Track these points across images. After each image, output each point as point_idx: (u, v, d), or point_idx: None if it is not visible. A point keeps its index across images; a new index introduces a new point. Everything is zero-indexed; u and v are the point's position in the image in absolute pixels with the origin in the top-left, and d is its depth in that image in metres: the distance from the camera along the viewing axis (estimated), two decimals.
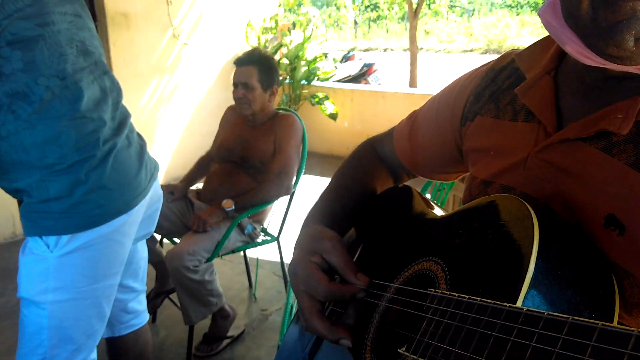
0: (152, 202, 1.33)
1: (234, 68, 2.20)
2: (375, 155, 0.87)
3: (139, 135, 1.33)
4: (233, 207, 2.00)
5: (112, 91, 1.22)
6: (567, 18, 0.50)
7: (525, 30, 17.43)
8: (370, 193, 0.80)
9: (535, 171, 0.57)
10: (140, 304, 1.49)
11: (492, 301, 0.40)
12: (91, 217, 1.12)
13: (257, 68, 2.12)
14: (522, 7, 21.41)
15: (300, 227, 0.74)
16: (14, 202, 2.88)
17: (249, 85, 2.11)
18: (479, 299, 0.41)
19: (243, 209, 2.04)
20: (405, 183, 0.85)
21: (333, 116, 4.71)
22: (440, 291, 0.48)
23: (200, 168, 2.36)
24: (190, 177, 2.33)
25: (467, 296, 0.43)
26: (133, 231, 1.26)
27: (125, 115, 1.27)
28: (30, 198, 1.11)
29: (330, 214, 0.75)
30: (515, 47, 0.78)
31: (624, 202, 0.49)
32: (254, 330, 2.29)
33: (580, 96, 0.57)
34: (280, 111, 2.29)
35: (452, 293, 0.45)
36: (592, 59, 0.49)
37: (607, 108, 0.52)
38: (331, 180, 0.84)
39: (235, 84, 2.15)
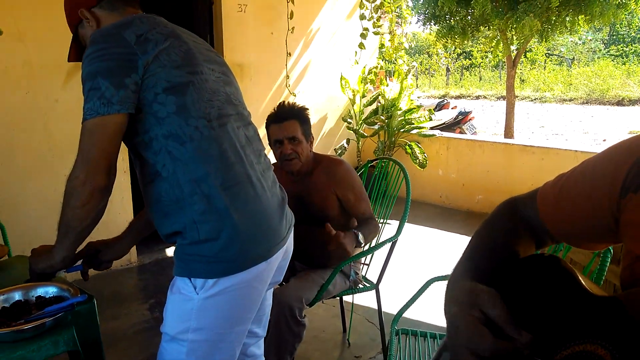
0: (287, 252, 1.39)
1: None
2: (517, 216, 0.84)
3: (280, 187, 1.41)
4: (363, 238, 1.99)
5: (255, 140, 1.32)
6: None
7: (633, 81, 16.37)
8: (514, 256, 0.78)
9: None
10: (259, 348, 1.55)
11: None
12: (236, 262, 1.18)
13: (298, 121, 2.06)
14: (627, 56, 20.21)
15: (447, 286, 0.74)
16: None
17: (296, 139, 2.04)
18: None
19: (366, 238, 2.03)
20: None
21: (422, 165, 4.73)
22: None
23: None
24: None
25: None
26: (269, 278, 1.31)
27: (269, 166, 1.36)
28: (183, 240, 1.18)
29: (480, 272, 0.73)
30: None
31: None
32: None
33: None
34: (319, 154, 2.24)
35: None
36: None
37: None
38: (471, 239, 0.82)
39: (279, 141, 2.05)
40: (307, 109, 2.18)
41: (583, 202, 0.75)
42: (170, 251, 3.86)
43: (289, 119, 2.06)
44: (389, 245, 2.27)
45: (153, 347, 1.29)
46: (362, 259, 2.29)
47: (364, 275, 2.36)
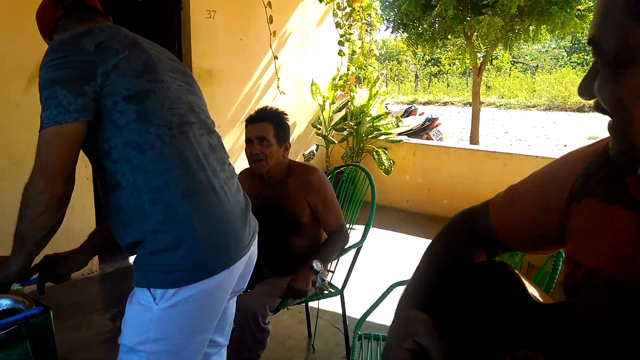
0: (250, 260, 1.38)
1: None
2: (469, 228, 0.88)
3: (244, 194, 1.40)
4: (322, 265, 2.01)
5: (219, 148, 1.32)
6: None
7: None
8: (465, 266, 0.81)
9: None
10: (221, 357, 1.54)
11: None
12: (197, 271, 1.16)
13: (272, 124, 2.07)
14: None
15: (396, 307, 0.76)
16: None
17: (266, 140, 2.05)
18: None
19: (325, 264, 2.08)
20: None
21: (387, 171, 4.80)
22: None
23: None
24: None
25: None
26: (231, 287, 1.30)
27: (233, 173, 1.36)
28: (143, 250, 1.16)
29: (424, 297, 0.77)
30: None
31: None
32: None
33: None
34: (296, 161, 2.26)
35: None
36: None
37: None
38: (424, 254, 0.86)
39: (249, 140, 2.08)
40: (286, 114, 2.18)
41: (533, 210, 0.79)
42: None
43: (263, 120, 2.08)
44: (354, 250, 2.31)
45: (114, 357, 1.27)
46: (328, 266, 2.31)
47: (329, 281, 2.38)
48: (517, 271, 0.70)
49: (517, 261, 1.78)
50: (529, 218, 0.79)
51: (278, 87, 4.28)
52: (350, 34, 4.84)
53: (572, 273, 0.68)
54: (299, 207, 2.13)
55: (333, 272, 2.38)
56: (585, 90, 0.57)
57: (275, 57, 4.13)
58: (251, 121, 2.10)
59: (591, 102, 0.57)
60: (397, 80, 21.82)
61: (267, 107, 2.17)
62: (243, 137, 4.36)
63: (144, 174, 1.14)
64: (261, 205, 2.17)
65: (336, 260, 2.38)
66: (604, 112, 0.56)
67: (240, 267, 1.30)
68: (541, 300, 0.65)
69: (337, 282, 2.42)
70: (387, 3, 7.20)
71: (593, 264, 0.64)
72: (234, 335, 1.93)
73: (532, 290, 0.67)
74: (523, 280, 0.68)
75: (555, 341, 0.56)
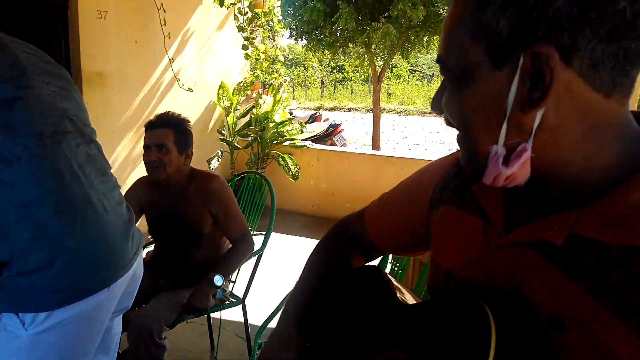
0: (135, 276, 1.32)
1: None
2: (346, 236, 0.93)
3: (127, 206, 1.33)
4: (223, 280, 1.96)
5: (98, 159, 1.24)
6: None
7: None
8: (344, 272, 0.85)
9: (490, 268, 0.62)
10: None
11: None
12: (72, 291, 1.08)
13: (172, 130, 2.01)
14: None
15: (279, 318, 0.81)
16: None
17: (165, 147, 1.98)
18: None
19: (227, 278, 2.04)
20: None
21: (294, 176, 4.86)
22: None
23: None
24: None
25: None
26: (112, 307, 1.23)
27: (114, 185, 1.28)
28: (10, 271, 1.06)
29: (303, 306, 0.82)
30: None
31: (564, 305, 0.53)
32: None
33: (526, 202, 0.61)
34: (198, 170, 2.21)
35: None
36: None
37: (547, 218, 0.56)
38: (305, 265, 0.90)
39: (147, 146, 2.00)
40: (189, 121, 2.11)
41: (401, 217, 0.84)
42: None
43: (163, 126, 2.00)
44: (255, 258, 2.30)
45: None
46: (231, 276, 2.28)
47: (230, 290, 2.35)
48: (388, 275, 0.76)
49: (405, 262, 1.89)
50: (399, 224, 0.85)
51: (182, 85, 4.14)
52: (253, 38, 4.82)
53: (433, 274, 0.74)
54: (200, 217, 2.07)
55: (234, 282, 2.35)
56: (435, 105, 0.62)
57: (172, 60, 3.99)
58: (150, 127, 2.02)
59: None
60: (303, 86, 22.12)
61: (168, 112, 2.09)
62: (141, 143, 4.19)
63: (10, 190, 1.03)
64: (160, 215, 2.12)
65: (237, 271, 2.35)
66: (452, 125, 0.60)
67: (123, 284, 1.23)
68: (408, 301, 0.70)
69: (240, 291, 2.40)
70: (289, 11, 7.28)
71: (449, 266, 0.70)
72: (128, 352, 1.84)
73: (400, 292, 0.72)
74: (393, 283, 0.73)
75: (416, 339, 0.59)
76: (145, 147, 2.01)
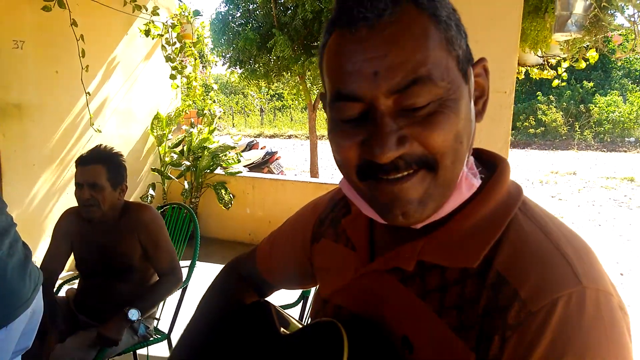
0: (34, 314, 1.28)
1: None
2: (238, 276, 0.95)
3: (24, 244, 1.29)
4: (139, 314, 1.89)
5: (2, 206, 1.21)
6: (356, 192, 0.61)
7: None
8: (235, 309, 0.86)
9: (358, 294, 0.66)
10: None
11: None
12: None
13: (105, 167, 1.95)
14: None
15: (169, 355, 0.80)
16: None
17: (98, 185, 1.93)
18: None
19: (145, 311, 1.97)
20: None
21: (226, 205, 4.82)
22: None
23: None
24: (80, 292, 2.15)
25: None
26: (11, 347, 1.18)
27: (10, 224, 1.24)
28: None
29: (193, 345, 0.82)
30: None
31: (413, 325, 0.58)
32: None
33: (388, 232, 0.66)
34: (131, 202, 2.17)
35: None
36: (382, 221, 0.59)
37: (400, 247, 0.62)
38: (198, 304, 0.90)
39: (79, 185, 1.94)
40: (122, 155, 2.05)
41: (288, 253, 0.87)
42: None
43: (94, 163, 1.94)
44: (180, 291, 2.25)
45: None
46: (154, 310, 2.21)
47: (155, 326, 2.27)
48: (276, 308, 0.78)
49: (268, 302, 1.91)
50: (287, 260, 0.88)
51: (92, 124, 4.02)
52: (184, 67, 4.80)
53: (314, 303, 0.78)
54: (130, 249, 2.02)
55: (158, 319, 2.28)
56: (397, 142, 0.61)
57: (88, 93, 3.87)
58: (81, 163, 1.96)
59: None
60: (244, 113, 22.08)
61: (100, 146, 2.03)
62: (64, 176, 4.03)
63: None
64: (89, 251, 2.05)
65: (161, 307, 2.29)
66: (411, 166, 0.57)
67: (22, 323, 1.20)
68: (287, 331, 0.73)
69: (165, 326, 2.33)
70: (222, 40, 7.30)
71: (326, 294, 0.74)
72: None
73: (284, 324, 0.75)
74: (275, 316, 0.76)
75: None
76: (78, 184, 1.94)
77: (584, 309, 0.50)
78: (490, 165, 0.64)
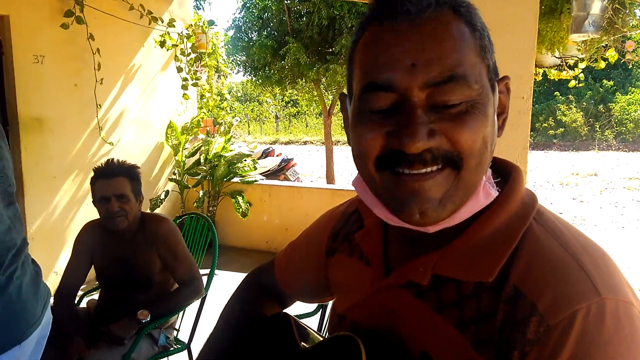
0: (42, 330, 1.28)
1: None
2: (260, 285, 0.93)
3: (33, 261, 1.30)
4: (149, 318, 1.94)
5: (15, 223, 1.21)
6: (370, 189, 0.60)
7: None
8: (253, 324, 0.85)
9: (373, 309, 0.65)
10: None
11: None
12: None
13: (128, 178, 2.03)
14: None
15: None
16: None
17: (125, 197, 2.00)
18: None
19: (159, 318, 2.00)
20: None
21: (243, 214, 4.84)
22: None
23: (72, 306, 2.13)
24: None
25: None
26: None
27: (24, 244, 1.25)
28: None
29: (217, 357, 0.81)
30: None
31: (433, 340, 0.57)
32: None
33: (402, 245, 0.65)
34: (147, 213, 2.22)
35: None
36: (394, 221, 0.59)
37: (415, 261, 0.60)
38: (220, 315, 0.89)
39: (106, 198, 1.98)
40: (138, 167, 2.13)
41: (305, 266, 0.86)
42: None
43: (119, 175, 2.01)
44: (199, 301, 2.26)
45: None
46: (171, 323, 2.22)
47: (175, 336, 2.28)
48: (297, 321, 0.78)
49: (289, 315, 1.89)
50: (303, 273, 0.86)
51: (101, 136, 4.08)
52: (198, 78, 4.85)
53: (331, 319, 0.77)
54: (148, 261, 2.05)
55: (178, 329, 2.29)
56: (428, 133, 0.58)
57: (99, 106, 3.93)
58: (104, 176, 2.01)
59: None
60: (259, 121, 22.24)
61: (114, 160, 2.09)
62: (84, 188, 4.09)
63: None
64: (108, 263, 2.10)
65: (181, 317, 2.30)
66: (437, 161, 0.57)
67: (33, 341, 1.21)
68: (306, 345, 0.72)
69: (185, 335, 2.34)
70: (238, 47, 7.37)
71: (342, 310, 0.73)
72: None
73: (304, 337, 0.74)
74: (295, 329, 0.76)
75: None
76: (104, 198, 1.99)
77: (603, 321, 0.48)
78: (504, 173, 0.63)
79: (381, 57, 0.53)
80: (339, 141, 13.66)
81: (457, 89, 0.52)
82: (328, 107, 8.07)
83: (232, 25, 7.89)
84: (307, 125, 20.79)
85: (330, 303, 1.91)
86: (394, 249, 0.67)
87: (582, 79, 3.99)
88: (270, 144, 16.73)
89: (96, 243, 2.13)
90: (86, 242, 2.14)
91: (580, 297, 0.50)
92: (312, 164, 12.84)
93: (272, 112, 21.81)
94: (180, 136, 4.96)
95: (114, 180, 1.99)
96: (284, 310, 0.89)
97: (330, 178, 8.23)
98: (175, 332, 2.27)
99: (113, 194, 1.98)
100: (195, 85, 4.82)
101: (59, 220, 3.85)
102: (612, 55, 3.35)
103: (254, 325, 0.84)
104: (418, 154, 0.52)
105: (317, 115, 22.20)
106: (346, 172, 12.22)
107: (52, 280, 3.77)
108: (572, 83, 4.02)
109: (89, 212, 4.08)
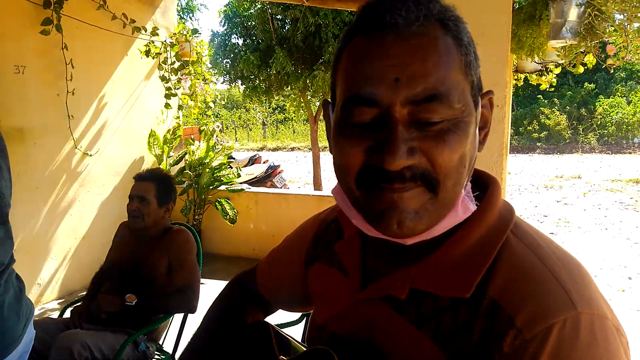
0: (24, 347, 1.26)
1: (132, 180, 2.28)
2: (242, 292, 0.92)
3: (17, 277, 1.28)
4: (133, 304, 1.99)
5: (5, 242, 1.19)
6: (349, 200, 0.60)
7: None
8: (238, 328, 0.84)
9: (352, 321, 0.65)
10: None
11: None
12: None
13: (155, 184, 2.20)
14: None
15: None
16: None
17: (145, 199, 2.17)
18: None
19: (144, 309, 2.05)
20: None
21: (232, 220, 4.83)
22: None
23: (96, 286, 2.30)
24: (90, 296, 2.26)
25: None
26: None
27: (10, 262, 1.23)
28: None
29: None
30: None
31: (411, 354, 0.57)
32: None
33: (381, 258, 0.65)
34: (175, 226, 2.35)
35: None
36: (373, 232, 0.58)
37: (393, 274, 0.60)
38: (201, 322, 0.87)
39: (131, 197, 2.20)
40: (171, 177, 2.34)
41: (285, 273, 0.85)
42: None
43: (147, 180, 2.21)
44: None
45: None
46: (154, 335, 2.22)
47: (159, 347, 2.27)
48: (276, 330, 0.76)
49: (269, 323, 1.89)
50: (284, 281, 0.86)
51: (76, 146, 4.02)
52: (180, 86, 4.83)
53: (310, 329, 0.76)
54: (157, 264, 2.14)
55: (161, 344, 2.29)
56: (407, 152, 0.58)
57: (71, 117, 3.89)
58: (137, 179, 2.25)
59: None
60: (246, 127, 22.19)
61: (158, 168, 2.30)
62: (67, 198, 4.05)
63: None
64: (126, 261, 2.22)
65: (167, 328, 2.30)
66: (415, 179, 0.57)
67: (14, 357, 1.19)
68: (285, 357, 0.71)
69: (170, 345, 2.32)
70: (223, 62, 7.38)
71: (321, 321, 0.72)
72: None
73: (282, 347, 0.73)
74: (275, 339, 0.74)
75: None
76: (130, 197, 2.21)
77: (578, 334, 0.49)
78: (482, 186, 0.64)
79: (365, 69, 0.53)
80: (325, 147, 13.66)
81: (439, 108, 0.52)
82: (314, 114, 8.09)
83: (215, 38, 7.92)
84: (294, 132, 20.79)
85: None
86: (372, 261, 0.67)
87: (554, 83, 4.12)
88: (258, 150, 16.71)
89: (122, 239, 2.34)
90: (116, 238, 2.37)
91: (556, 311, 0.50)
92: (299, 170, 12.85)
93: (259, 118, 21.78)
94: (162, 145, 4.94)
95: (141, 183, 2.21)
96: (266, 319, 0.87)
97: (317, 184, 8.24)
98: (155, 346, 2.26)
99: (136, 195, 2.18)
100: (175, 95, 4.79)
101: (41, 232, 3.80)
102: (589, 60, 3.41)
103: (232, 335, 0.83)
104: (398, 171, 0.52)
105: (305, 122, 22.21)
106: (333, 179, 12.16)
107: (35, 292, 3.71)
108: (544, 86, 4.13)
109: (73, 222, 4.04)
